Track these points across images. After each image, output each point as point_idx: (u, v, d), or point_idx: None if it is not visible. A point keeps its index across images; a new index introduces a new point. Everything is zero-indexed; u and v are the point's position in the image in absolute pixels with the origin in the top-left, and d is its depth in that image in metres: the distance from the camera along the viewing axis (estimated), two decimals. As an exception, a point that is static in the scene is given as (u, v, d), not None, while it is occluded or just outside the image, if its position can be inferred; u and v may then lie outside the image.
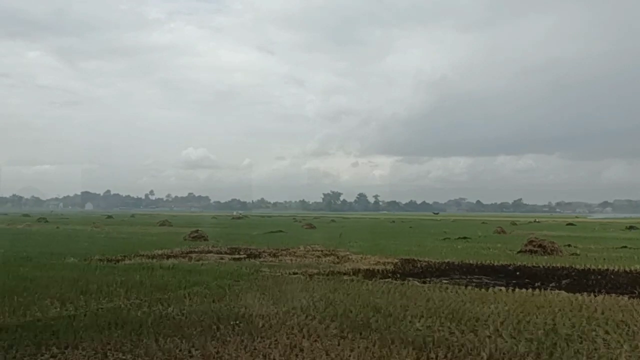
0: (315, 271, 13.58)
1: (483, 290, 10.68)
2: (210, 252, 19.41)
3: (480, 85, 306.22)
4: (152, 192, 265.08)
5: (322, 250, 19.69)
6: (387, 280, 12.05)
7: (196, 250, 20.00)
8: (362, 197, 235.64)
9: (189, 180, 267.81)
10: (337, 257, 17.32)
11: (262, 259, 16.81)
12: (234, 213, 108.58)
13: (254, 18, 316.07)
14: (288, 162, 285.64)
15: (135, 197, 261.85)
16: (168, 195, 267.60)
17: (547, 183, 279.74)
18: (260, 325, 7.45)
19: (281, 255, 18.16)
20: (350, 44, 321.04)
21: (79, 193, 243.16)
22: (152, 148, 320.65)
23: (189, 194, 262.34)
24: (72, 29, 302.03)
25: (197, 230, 26.07)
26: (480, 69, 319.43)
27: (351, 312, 8.30)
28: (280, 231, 34.76)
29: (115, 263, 15.24)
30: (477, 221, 67.77)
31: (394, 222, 62.00)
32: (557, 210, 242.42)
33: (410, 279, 12.43)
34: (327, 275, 12.81)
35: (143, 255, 17.49)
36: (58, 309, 8.52)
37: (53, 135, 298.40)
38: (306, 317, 7.94)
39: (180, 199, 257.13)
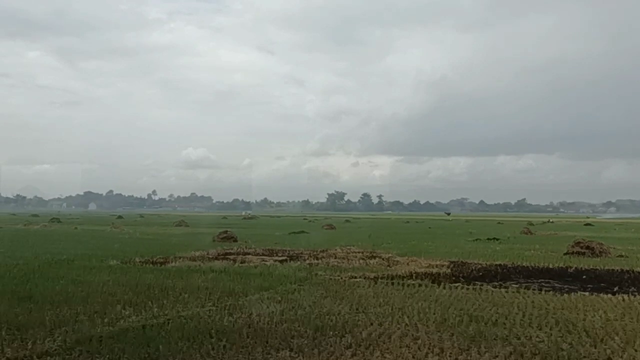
0: (373, 275, 13.04)
1: (566, 295, 10.16)
2: (248, 253, 18.88)
3: (481, 85, 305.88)
4: (154, 192, 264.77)
5: (361, 252, 19.14)
6: (456, 285, 11.50)
7: (232, 251, 19.46)
8: (366, 197, 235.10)
9: (189, 180, 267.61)
10: (384, 260, 16.76)
11: (307, 261, 16.25)
12: (243, 213, 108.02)
13: (254, 18, 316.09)
14: (288, 162, 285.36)
15: (138, 197, 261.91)
16: (170, 196, 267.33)
17: (547, 183, 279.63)
18: (364, 335, 6.92)
19: (323, 257, 17.60)
20: (350, 44, 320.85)
21: (81, 193, 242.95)
22: (152, 148, 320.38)
23: (192, 194, 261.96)
24: (72, 29, 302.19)
25: (226, 231, 25.55)
26: (481, 69, 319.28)
27: (458, 321, 7.75)
28: (303, 232, 34.23)
29: (159, 265, 14.72)
30: (490, 221, 67.11)
31: (408, 222, 61.41)
32: (561, 210, 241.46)
33: (478, 283, 11.90)
34: (390, 279, 12.27)
35: (183, 257, 16.97)
36: (135, 316, 8.00)
37: (53, 135, 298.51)
38: (408, 326, 7.41)
39: (182, 199, 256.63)
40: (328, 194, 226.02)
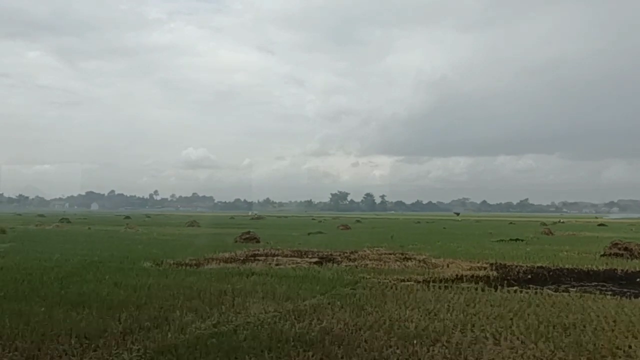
0: (421, 277, 12.64)
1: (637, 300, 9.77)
2: (276, 255, 18.46)
3: (481, 85, 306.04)
4: (156, 192, 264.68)
5: (392, 254, 18.72)
6: (514, 288, 11.09)
7: (260, 253, 19.03)
8: (368, 196, 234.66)
9: (189, 180, 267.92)
10: (420, 262, 16.33)
11: (343, 263, 15.81)
12: (250, 213, 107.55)
13: (254, 18, 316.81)
14: (289, 163, 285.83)
15: (140, 197, 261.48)
16: (172, 196, 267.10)
17: (548, 183, 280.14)
18: (454, 344, 6.51)
19: (356, 258, 17.18)
20: (350, 44, 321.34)
21: (83, 193, 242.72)
22: (152, 148, 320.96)
23: (193, 194, 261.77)
24: (72, 29, 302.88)
25: (249, 231, 25.13)
26: (481, 69, 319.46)
27: (548, 329, 7.33)
28: (320, 232, 33.85)
29: (195, 267, 14.33)
30: (501, 221, 66.59)
31: (419, 222, 60.98)
32: (564, 210, 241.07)
33: (532, 286, 11.49)
34: (440, 282, 11.85)
35: (214, 258, 16.56)
36: (199, 323, 7.59)
37: (53, 136, 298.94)
38: (497, 334, 7.00)
39: (184, 199, 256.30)
40: (331, 194, 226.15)
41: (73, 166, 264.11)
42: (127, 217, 68.05)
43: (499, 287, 11.15)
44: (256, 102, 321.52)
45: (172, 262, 15.42)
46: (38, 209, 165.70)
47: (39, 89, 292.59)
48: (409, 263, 15.99)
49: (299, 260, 16.93)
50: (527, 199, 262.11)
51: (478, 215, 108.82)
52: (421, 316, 8.15)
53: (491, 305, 9.05)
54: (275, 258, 17.42)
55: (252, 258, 17.28)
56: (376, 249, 20.75)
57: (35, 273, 12.18)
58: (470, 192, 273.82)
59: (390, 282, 11.87)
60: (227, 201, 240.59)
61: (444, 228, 44.96)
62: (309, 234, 32.78)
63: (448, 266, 15.19)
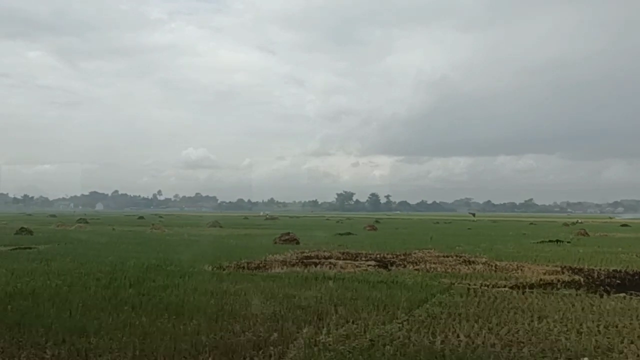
0: (505, 283, 11.98)
1: None
2: (329, 257, 17.75)
3: (481, 85, 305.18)
4: (160, 192, 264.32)
5: (449, 256, 18.07)
6: (620, 295, 10.42)
7: (312, 255, 18.33)
8: (373, 196, 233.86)
9: (191, 180, 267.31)
10: (487, 265, 15.63)
11: (406, 267, 15.11)
12: (262, 213, 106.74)
13: (255, 18, 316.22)
14: (291, 163, 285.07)
15: (143, 197, 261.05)
16: (176, 196, 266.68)
17: (549, 183, 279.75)
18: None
19: (415, 261, 16.48)
20: (350, 44, 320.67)
21: (86, 193, 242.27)
22: (152, 148, 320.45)
23: (196, 194, 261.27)
24: (73, 29, 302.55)
25: (289, 232, 24.46)
26: (481, 69, 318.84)
27: None
28: (350, 233, 33.16)
29: (262, 271, 13.67)
30: (520, 222, 65.66)
31: (437, 222, 60.26)
32: (569, 210, 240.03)
33: (634, 292, 10.82)
34: (532, 288, 11.20)
35: (272, 261, 15.90)
36: (325, 337, 6.92)
37: (54, 136, 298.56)
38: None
39: (188, 199, 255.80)
40: (337, 194, 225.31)
41: (74, 166, 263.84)
42: (141, 218, 67.39)
43: (604, 293, 10.48)
44: (256, 102, 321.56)
45: (231, 265, 14.79)
46: (43, 209, 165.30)
47: (39, 89, 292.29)
48: (477, 267, 15.31)
49: (356, 263, 16.27)
50: (531, 199, 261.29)
51: (495, 216, 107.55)
52: (562, 329, 7.48)
53: (619, 315, 8.39)
54: (329, 260, 16.77)
55: (307, 261, 16.58)
56: (426, 251, 20.10)
57: (104, 279, 11.52)
58: (471, 192, 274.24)
59: (479, 288, 11.21)
60: (229, 201, 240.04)
61: (469, 229, 44.23)
62: (334, 235, 32.11)
63: (521, 270, 14.49)
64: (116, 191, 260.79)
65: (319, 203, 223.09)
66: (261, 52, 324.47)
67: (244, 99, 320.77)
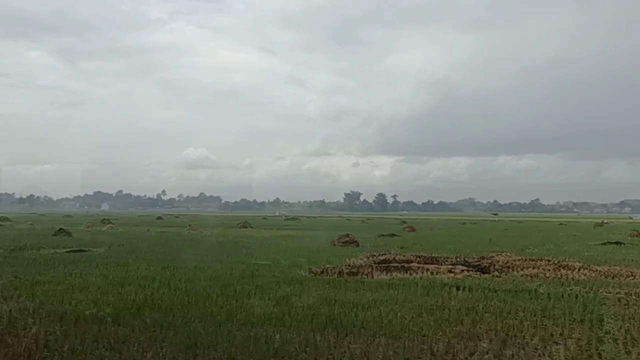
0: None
1: None
2: (410, 261, 16.81)
3: (482, 85, 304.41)
4: (164, 192, 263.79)
5: (532, 260, 17.11)
6: None
7: (390, 259, 17.37)
8: (380, 196, 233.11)
9: (193, 180, 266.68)
10: (595, 272, 14.55)
11: (512, 273, 14.12)
12: (277, 213, 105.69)
13: (255, 18, 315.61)
14: (292, 162, 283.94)
15: (149, 197, 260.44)
16: (180, 195, 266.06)
17: (549, 183, 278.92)
18: None
19: (511, 267, 15.46)
20: (351, 44, 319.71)
21: (91, 193, 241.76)
22: (153, 148, 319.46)
23: (200, 194, 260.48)
24: (73, 29, 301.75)
25: (348, 234, 23.53)
26: (481, 68, 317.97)
27: None
28: (393, 234, 32.23)
29: (362, 277, 12.72)
30: (549, 223, 64.33)
31: (464, 223, 59.26)
32: (575, 210, 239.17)
33: None
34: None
35: (357, 266, 14.95)
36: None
37: (54, 136, 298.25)
38: None
39: (192, 199, 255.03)
40: (345, 194, 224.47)
41: (75, 166, 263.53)
42: (159, 218, 66.54)
43: None
44: (257, 102, 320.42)
45: (322, 270, 13.87)
46: (49, 209, 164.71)
47: (40, 89, 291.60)
48: (583, 272, 14.26)
49: (445, 268, 15.30)
50: (538, 199, 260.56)
51: (517, 217, 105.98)
52: None
53: None
54: (410, 264, 15.81)
55: (389, 265, 15.59)
56: (503, 254, 19.15)
57: (214, 287, 10.59)
58: (472, 192, 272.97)
59: (624, 297, 10.25)
60: (232, 201, 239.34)
61: (506, 229, 43.22)
62: (377, 236, 31.21)
63: (634, 276, 13.52)
64: (120, 191, 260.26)
65: (326, 203, 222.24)
66: (261, 52, 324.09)
67: (245, 99, 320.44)
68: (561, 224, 57.72)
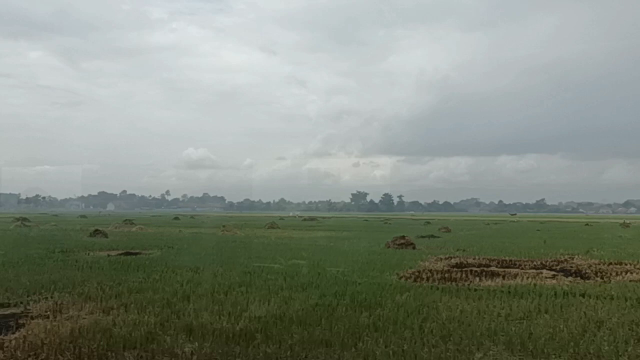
0: None
1: None
2: (488, 265, 16.01)
3: (483, 85, 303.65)
4: (168, 192, 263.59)
5: (609, 264, 16.31)
6: None
7: (469, 263, 16.52)
8: (387, 196, 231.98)
9: (193, 180, 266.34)
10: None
11: (619, 279, 13.26)
12: (291, 214, 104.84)
13: (257, 18, 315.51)
14: (297, 163, 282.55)
15: (154, 197, 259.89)
16: (184, 196, 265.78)
17: (551, 183, 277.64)
18: None
19: (599, 271, 14.68)
20: (352, 44, 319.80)
21: (95, 193, 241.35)
22: (155, 148, 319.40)
23: (204, 194, 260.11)
24: (74, 29, 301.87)
25: (403, 236, 22.71)
26: (483, 68, 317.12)
27: None
28: (432, 236, 31.40)
29: (458, 284, 11.90)
30: (576, 223, 63.32)
31: (488, 224, 58.30)
32: (580, 210, 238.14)
33: None
34: None
35: (439, 271, 14.13)
36: None
37: (55, 136, 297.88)
38: None
39: (196, 199, 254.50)
40: (352, 194, 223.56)
41: (76, 166, 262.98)
42: (176, 218, 65.75)
43: None
44: (258, 102, 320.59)
45: (407, 275, 13.08)
46: (54, 209, 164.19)
47: (41, 89, 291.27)
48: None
49: (530, 272, 14.47)
50: (543, 199, 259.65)
51: (531, 217, 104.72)
52: None
53: None
54: (490, 269, 14.99)
55: (467, 269, 14.76)
56: (575, 257, 18.34)
57: (326, 297, 9.78)
58: (475, 192, 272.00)
59: None
60: (238, 201, 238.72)
61: (538, 230, 42.36)
62: (417, 237, 30.33)
63: None
64: (124, 191, 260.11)
65: (332, 203, 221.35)
66: (263, 52, 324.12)
67: (246, 99, 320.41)
68: (587, 224, 56.82)
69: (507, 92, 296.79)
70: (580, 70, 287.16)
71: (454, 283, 12.13)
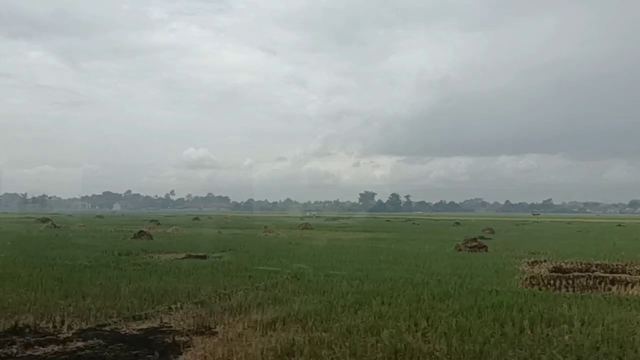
0: None
1: None
2: (591, 270, 15.04)
3: (484, 85, 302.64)
4: (172, 192, 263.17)
5: None
6: None
7: (571, 269, 15.54)
8: (394, 197, 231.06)
9: (195, 180, 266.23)
10: None
11: None
12: (308, 214, 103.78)
13: (257, 18, 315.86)
14: (297, 162, 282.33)
15: (159, 197, 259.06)
16: (189, 196, 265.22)
17: (552, 183, 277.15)
18: None
19: None
20: (352, 44, 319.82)
21: (100, 193, 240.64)
22: (156, 148, 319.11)
23: (208, 194, 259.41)
24: (75, 29, 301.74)
25: (475, 238, 21.78)
26: (483, 69, 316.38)
27: None
28: (483, 237, 30.36)
29: (598, 291, 10.96)
30: (604, 224, 62.17)
31: (518, 225, 57.31)
32: (587, 210, 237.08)
33: None
34: None
35: (550, 277, 13.17)
36: None
37: (55, 136, 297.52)
38: None
39: (201, 199, 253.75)
40: (360, 194, 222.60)
41: (76, 166, 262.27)
42: (197, 219, 64.78)
43: None
44: (259, 102, 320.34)
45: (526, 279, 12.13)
46: (63, 210, 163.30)
47: (41, 89, 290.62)
48: None
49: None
50: (550, 199, 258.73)
51: (558, 217, 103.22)
52: None
53: None
54: (593, 274, 14.04)
55: (571, 275, 13.80)
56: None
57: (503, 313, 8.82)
58: (478, 192, 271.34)
59: None
60: (241, 201, 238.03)
61: (579, 231, 41.37)
62: (470, 239, 29.40)
63: None
64: (129, 191, 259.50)
65: (340, 203, 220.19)
66: (263, 52, 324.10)
67: (246, 99, 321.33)
68: (620, 225, 55.79)
69: (507, 92, 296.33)
70: (580, 71, 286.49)
71: (587, 290, 11.19)
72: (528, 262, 16.64)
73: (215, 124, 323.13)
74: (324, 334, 6.91)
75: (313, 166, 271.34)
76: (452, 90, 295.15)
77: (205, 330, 7.46)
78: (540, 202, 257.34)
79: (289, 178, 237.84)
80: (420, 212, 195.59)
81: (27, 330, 7.44)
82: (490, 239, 29.77)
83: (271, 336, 6.79)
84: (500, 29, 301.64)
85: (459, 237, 31.26)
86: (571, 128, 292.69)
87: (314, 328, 7.19)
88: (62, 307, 8.66)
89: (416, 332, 6.95)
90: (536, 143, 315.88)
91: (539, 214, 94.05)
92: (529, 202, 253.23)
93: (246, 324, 7.52)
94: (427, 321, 7.55)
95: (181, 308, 8.81)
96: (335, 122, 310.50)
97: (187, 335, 7.23)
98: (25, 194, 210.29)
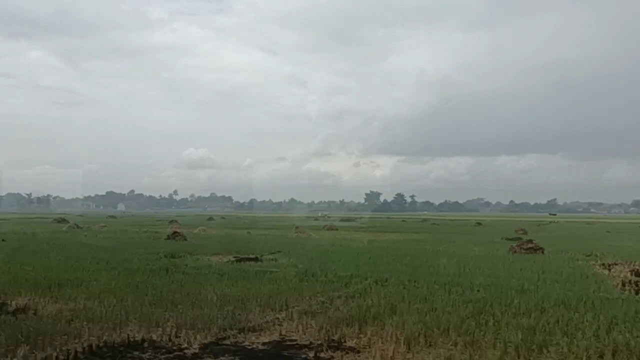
0: None
1: None
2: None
3: (484, 85, 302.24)
4: (175, 192, 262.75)
5: None
6: None
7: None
8: (399, 196, 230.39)
9: (195, 180, 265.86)
10: None
11: None
12: (320, 214, 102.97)
13: (257, 18, 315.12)
14: (297, 162, 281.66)
15: (163, 197, 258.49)
16: (192, 196, 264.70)
17: (553, 183, 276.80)
18: None
19: None
20: (353, 44, 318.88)
21: (103, 193, 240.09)
22: (156, 148, 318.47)
23: (211, 194, 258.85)
24: (75, 29, 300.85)
25: (531, 240, 21.09)
26: (483, 68, 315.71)
27: None
28: (519, 238, 29.72)
29: None
30: (629, 225, 61.32)
31: (539, 225, 56.63)
32: (592, 210, 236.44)
33: None
34: None
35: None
36: None
37: (55, 136, 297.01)
38: None
39: (204, 199, 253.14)
40: (365, 193, 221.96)
41: (77, 166, 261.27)
42: (211, 219, 64.17)
43: None
44: (259, 102, 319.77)
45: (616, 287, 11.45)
46: (67, 209, 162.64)
47: (41, 89, 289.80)
48: None
49: None
50: (554, 199, 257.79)
51: (575, 217, 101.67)
52: None
53: None
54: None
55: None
56: None
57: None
58: (480, 192, 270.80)
59: None
60: (242, 201, 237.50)
61: (608, 232, 40.70)
62: (502, 239, 28.84)
63: None
64: (132, 191, 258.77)
65: (345, 202, 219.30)
66: (263, 52, 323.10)
67: (246, 99, 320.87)
68: (642, 225, 55.10)
69: (507, 92, 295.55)
70: (580, 71, 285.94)
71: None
72: (601, 265, 15.98)
73: (215, 124, 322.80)
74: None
75: (313, 166, 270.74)
76: (452, 90, 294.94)
77: (338, 345, 6.82)
78: (544, 202, 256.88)
79: (290, 178, 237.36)
80: (426, 212, 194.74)
81: (145, 344, 6.81)
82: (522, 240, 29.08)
83: (429, 353, 6.14)
84: (500, 29, 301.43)
85: (493, 237, 30.66)
86: (571, 128, 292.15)
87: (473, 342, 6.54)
88: (165, 317, 8.01)
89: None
90: (536, 143, 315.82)
91: (555, 214, 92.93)
92: (532, 202, 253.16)
93: (384, 338, 6.86)
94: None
95: (290, 319, 8.15)
96: (335, 122, 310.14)
97: (324, 351, 6.58)
98: (30, 194, 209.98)
